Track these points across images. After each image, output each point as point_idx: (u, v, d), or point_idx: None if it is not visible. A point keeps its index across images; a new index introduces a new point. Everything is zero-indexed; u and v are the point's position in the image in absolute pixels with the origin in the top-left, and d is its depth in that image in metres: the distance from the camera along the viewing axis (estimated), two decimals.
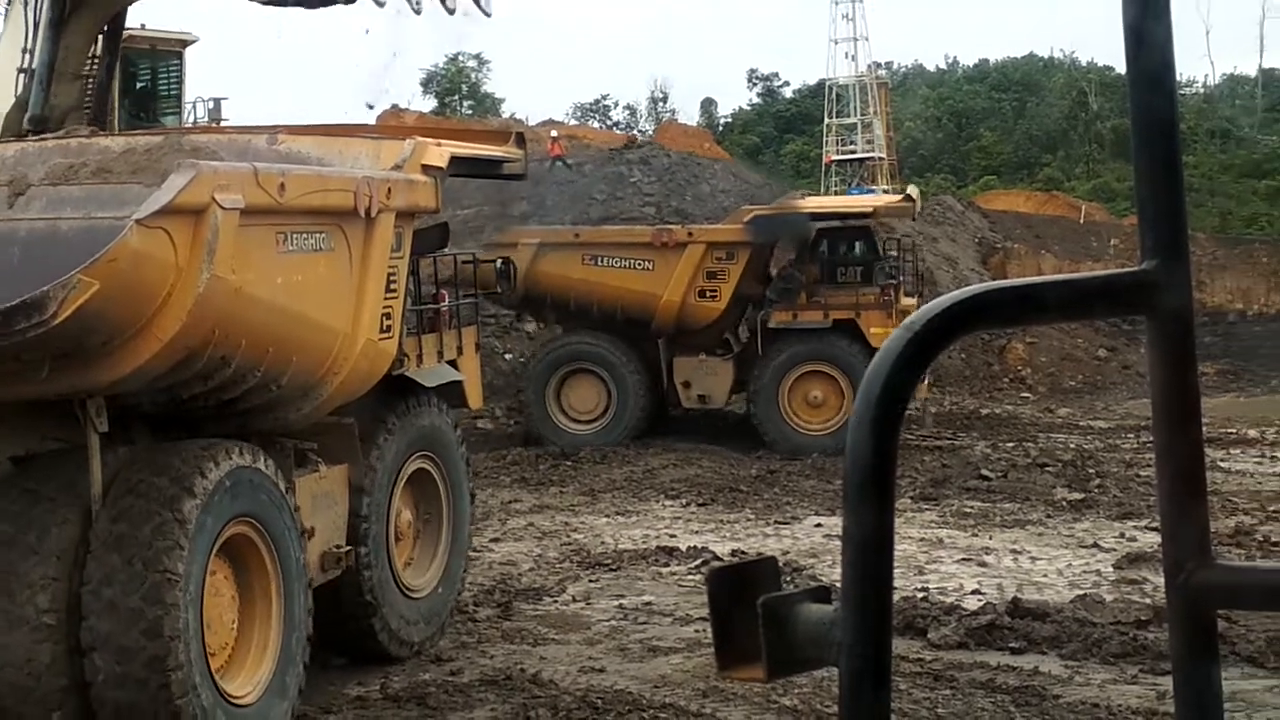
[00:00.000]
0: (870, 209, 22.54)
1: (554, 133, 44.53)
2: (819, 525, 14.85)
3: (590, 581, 12.61)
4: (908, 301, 20.67)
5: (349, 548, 9.55)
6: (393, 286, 9.36)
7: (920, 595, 11.20)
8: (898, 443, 1.40)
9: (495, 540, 14.36)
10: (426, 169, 9.74)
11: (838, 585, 1.41)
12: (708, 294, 20.46)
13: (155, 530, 7.36)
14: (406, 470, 10.44)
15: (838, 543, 14.10)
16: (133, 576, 7.27)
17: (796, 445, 19.52)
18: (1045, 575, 12.39)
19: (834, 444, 19.09)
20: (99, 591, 7.29)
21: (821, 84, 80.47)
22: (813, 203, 27.65)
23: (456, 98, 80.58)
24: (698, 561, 13.08)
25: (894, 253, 21.97)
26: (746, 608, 1.49)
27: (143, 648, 7.22)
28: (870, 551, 1.39)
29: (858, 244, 21.33)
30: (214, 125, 17.65)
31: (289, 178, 8.02)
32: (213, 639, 7.79)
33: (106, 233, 7.36)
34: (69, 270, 6.56)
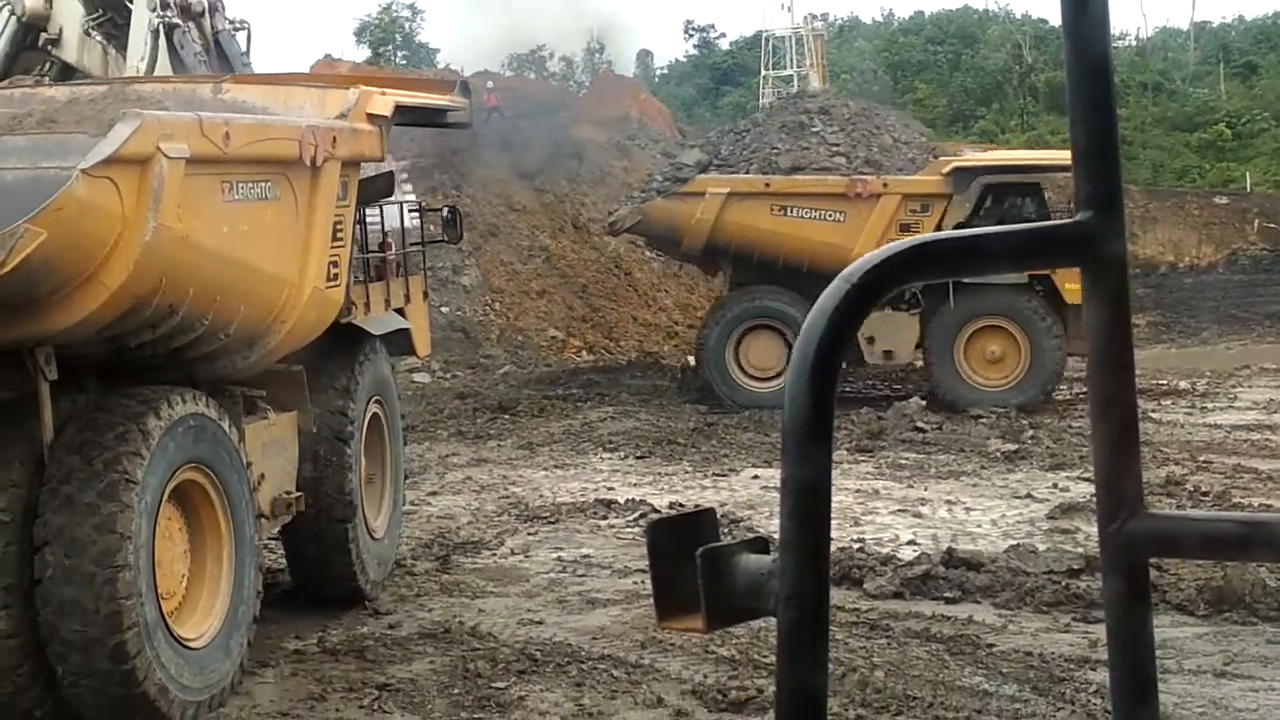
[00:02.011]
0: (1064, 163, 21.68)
1: (490, 84, 44.23)
2: (756, 477, 14.94)
3: (529, 535, 12.63)
4: None
5: (299, 494, 9.62)
6: (339, 235, 9.38)
7: (856, 546, 11.30)
8: (835, 393, 1.40)
9: (433, 494, 14.35)
10: (371, 118, 9.76)
11: (776, 537, 1.41)
12: None
13: (105, 486, 7.35)
14: (367, 416, 10.51)
15: (775, 495, 14.12)
16: (81, 574, 7.25)
17: (970, 400, 19.09)
18: (979, 526, 12.52)
19: (1008, 399, 18.89)
20: (50, 590, 7.28)
21: (758, 36, 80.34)
22: (993, 156, 26.37)
23: (390, 47, 79.82)
24: (636, 514, 13.12)
25: (1062, 207, 21.05)
26: (685, 559, 1.50)
27: (101, 640, 7.24)
28: (808, 501, 1.39)
29: (1027, 200, 20.46)
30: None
31: (234, 127, 8.03)
32: (165, 583, 7.83)
33: (52, 183, 7.32)
34: (15, 220, 6.54)
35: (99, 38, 13.77)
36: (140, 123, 7.03)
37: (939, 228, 19.36)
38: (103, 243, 6.92)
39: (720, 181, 20.87)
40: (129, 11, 13.55)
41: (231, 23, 14.44)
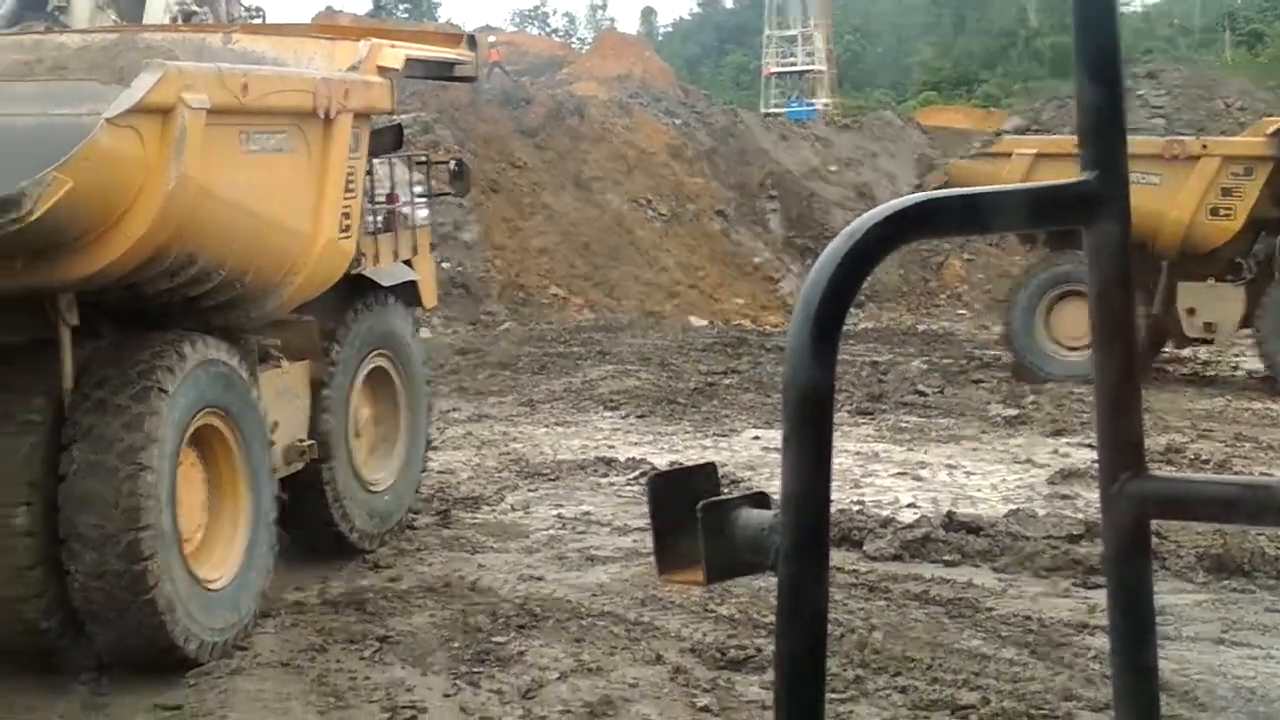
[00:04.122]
0: None
1: (492, 39, 44.14)
2: (757, 438, 14.95)
3: (529, 491, 12.66)
4: None
5: (311, 441, 9.70)
6: (351, 187, 9.44)
7: (856, 508, 11.33)
8: (837, 352, 1.40)
9: (433, 449, 14.36)
10: (382, 70, 9.80)
11: (777, 495, 1.42)
12: (1220, 213, 18.25)
13: (126, 423, 7.49)
14: (365, 367, 10.54)
15: (776, 456, 14.20)
16: (106, 469, 7.40)
17: None
18: (979, 490, 12.55)
19: None
20: (73, 483, 7.43)
21: None
22: None
23: (392, 0, 79.55)
24: (636, 473, 13.15)
25: None
26: (685, 513, 1.50)
27: (116, 536, 7.37)
28: (809, 459, 1.40)
29: None
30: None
31: (251, 78, 8.08)
32: (184, 525, 7.95)
33: (64, 130, 7.38)
34: (26, 167, 6.61)
35: (112, 14, 13.72)
36: (163, 72, 7.09)
37: (1266, 193, 18.31)
38: (126, 191, 6.98)
39: (1028, 143, 20.15)
40: None
41: (247, 9, 14.41)
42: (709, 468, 1.59)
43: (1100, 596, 7.80)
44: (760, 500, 1.51)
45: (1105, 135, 1.50)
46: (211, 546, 8.37)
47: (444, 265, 24.80)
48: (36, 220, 6.38)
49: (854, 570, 9.81)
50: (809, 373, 1.38)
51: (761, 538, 1.44)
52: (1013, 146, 19.97)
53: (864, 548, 10.31)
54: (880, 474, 13.19)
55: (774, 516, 1.45)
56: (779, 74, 74.09)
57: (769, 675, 7.80)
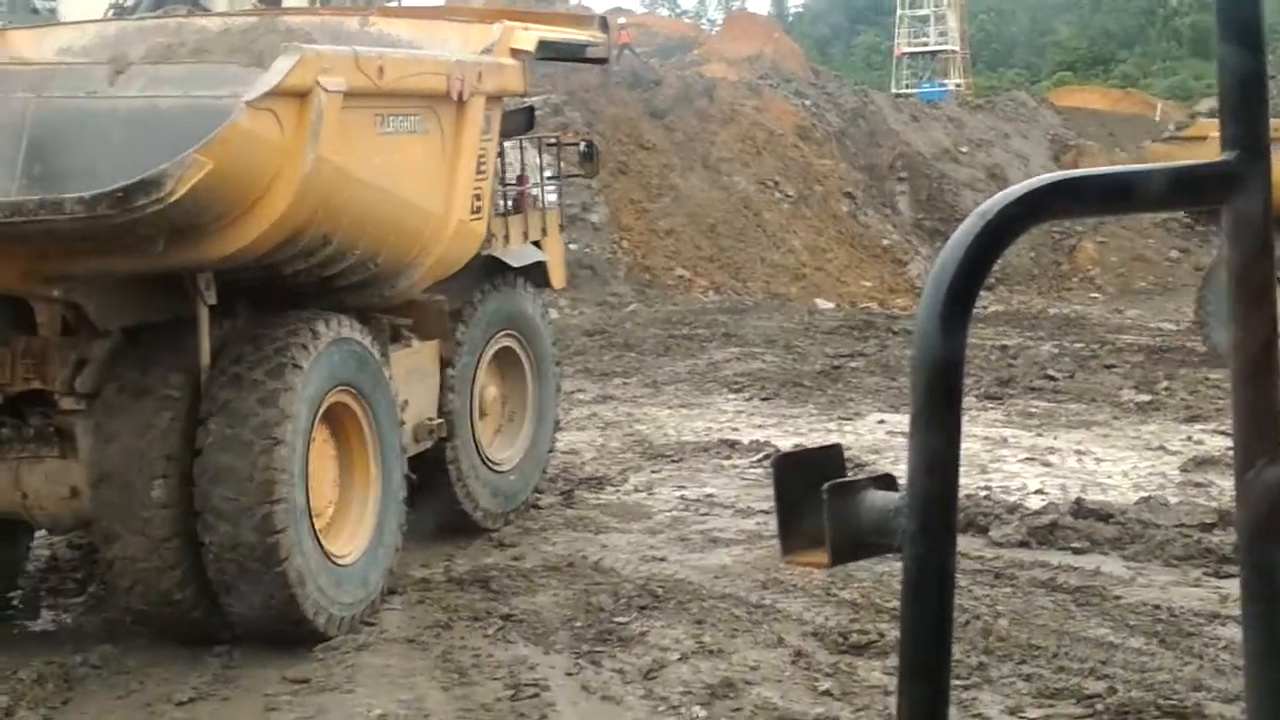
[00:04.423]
0: None
1: (622, 20, 44.20)
2: (882, 422, 14.84)
3: (652, 472, 12.68)
4: None
5: (440, 420, 9.84)
6: (482, 168, 9.52)
7: (983, 494, 11.20)
8: (967, 333, 1.39)
9: (559, 429, 14.46)
10: (515, 52, 9.86)
11: (904, 479, 1.41)
12: None
13: (261, 398, 7.64)
14: (492, 348, 10.61)
15: (901, 439, 14.11)
16: (241, 443, 7.56)
17: None
18: (1110, 477, 12.34)
19: None
20: (209, 457, 7.59)
21: None
22: None
23: None
24: (760, 455, 13.11)
25: None
26: (810, 494, 1.50)
27: (251, 509, 7.53)
28: (937, 441, 1.38)
29: None
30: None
31: (387, 61, 8.18)
32: (316, 500, 8.10)
33: (205, 112, 7.52)
34: (169, 147, 6.75)
35: None
36: (301, 56, 7.20)
37: None
38: (264, 173, 7.09)
39: None
40: None
41: None
42: (834, 449, 1.58)
43: (1232, 586, 7.64)
44: (887, 482, 1.49)
45: (1247, 114, 1.46)
46: (342, 523, 8.50)
47: (571, 247, 24.93)
48: (177, 201, 6.51)
49: (979, 556, 9.70)
50: (938, 353, 1.37)
51: (887, 520, 1.43)
52: (1208, 130, 19.51)
53: (990, 533, 10.19)
54: (1008, 459, 13.03)
55: (900, 498, 1.44)
56: (911, 54, 73.31)
57: (891, 661, 7.75)
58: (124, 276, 7.59)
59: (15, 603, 9.09)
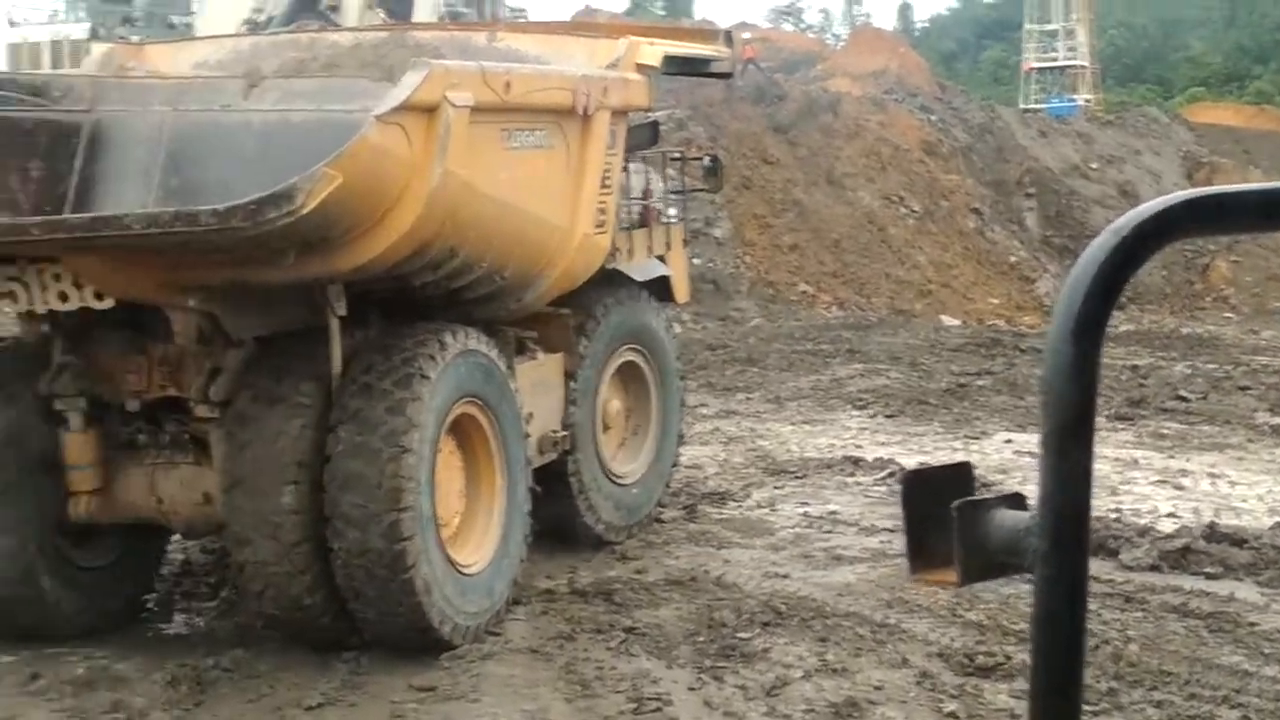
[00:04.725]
0: None
1: (747, 35, 44.15)
2: (1009, 441, 14.64)
3: (775, 488, 12.63)
4: None
5: (564, 433, 9.90)
6: (607, 183, 9.55)
7: (1113, 516, 11.00)
8: (1101, 352, 1.37)
9: (682, 443, 14.47)
10: (640, 67, 9.89)
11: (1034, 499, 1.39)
12: None
13: (390, 407, 7.72)
14: (615, 361, 10.67)
15: (1028, 460, 13.92)
16: (370, 450, 7.65)
17: None
18: (1244, 500, 12.07)
19: None
20: (338, 464, 7.69)
21: None
22: None
23: None
24: (884, 473, 13.01)
25: None
26: (939, 512, 1.49)
27: (379, 516, 7.60)
28: (1069, 461, 1.37)
29: None
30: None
31: (514, 76, 8.25)
32: (442, 510, 8.16)
33: (336, 125, 7.63)
34: (301, 160, 6.85)
35: (381, 12, 14.21)
36: (429, 71, 7.28)
37: None
38: (393, 187, 7.18)
39: None
40: None
41: (511, 10, 14.75)
42: (964, 467, 1.57)
43: None
44: (1017, 501, 1.48)
45: None
46: (468, 533, 8.57)
47: (694, 261, 24.96)
48: (307, 214, 6.60)
49: (1109, 580, 9.53)
50: (1070, 371, 1.35)
51: (1018, 539, 1.41)
52: None
53: (1120, 557, 10.01)
54: (1139, 481, 12.79)
55: (1031, 518, 1.42)
56: (1039, 69, 72.38)
57: (1018, 683, 7.64)
58: (257, 287, 7.72)
59: (150, 606, 9.28)
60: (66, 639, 8.43)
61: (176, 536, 9.38)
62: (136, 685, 7.65)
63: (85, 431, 8.36)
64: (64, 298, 7.54)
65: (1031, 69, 72.27)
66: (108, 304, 7.51)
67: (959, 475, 1.53)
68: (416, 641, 7.99)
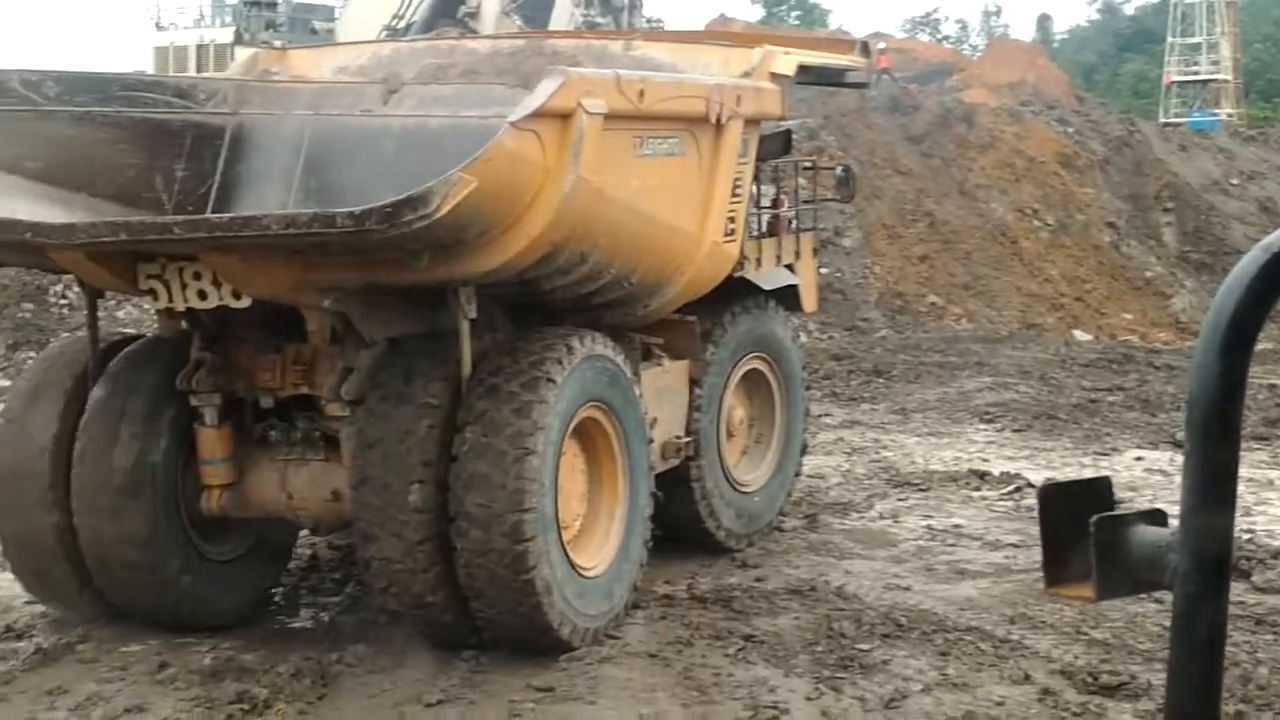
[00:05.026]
0: None
1: (882, 45, 43.89)
2: (1140, 459, 14.39)
3: (898, 500, 12.53)
4: None
5: (687, 439, 9.92)
6: (738, 191, 9.55)
7: (1245, 537, 10.76)
8: (1248, 367, 1.35)
9: (805, 453, 14.41)
10: (774, 76, 9.88)
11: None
12: None
13: (516, 409, 7.80)
14: (740, 369, 10.67)
15: (1160, 478, 13.67)
16: (495, 451, 7.72)
17: None
18: None
19: None
20: (464, 464, 7.77)
21: (1166, 1, 76.75)
22: None
23: (784, 7, 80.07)
24: (1010, 488, 12.85)
25: None
26: (1078, 526, 1.47)
27: (502, 517, 7.68)
28: (1213, 476, 1.34)
29: None
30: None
31: (648, 84, 8.27)
32: (564, 513, 8.22)
33: (473, 131, 7.70)
34: (438, 165, 6.92)
35: (518, 19, 14.34)
36: (565, 79, 7.33)
37: None
38: (526, 192, 7.24)
39: None
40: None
41: (648, 20, 14.82)
42: (1103, 481, 1.55)
43: None
44: (1157, 517, 1.46)
45: None
46: (589, 536, 8.62)
47: (822, 270, 24.83)
48: (442, 218, 6.66)
49: (1240, 601, 9.32)
50: (1216, 387, 1.33)
51: (1158, 556, 1.39)
52: None
53: (1252, 578, 9.79)
54: (1274, 503, 12.49)
55: (1171, 534, 1.40)
56: (1180, 83, 71.05)
57: (1142, 704, 7.51)
58: (390, 289, 7.83)
59: (277, 599, 9.46)
60: (195, 630, 8.62)
61: (305, 532, 9.54)
62: (261, 677, 7.79)
63: (220, 427, 8.54)
64: (203, 296, 7.71)
65: (1173, 82, 70.96)
66: (245, 303, 7.66)
67: (1098, 489, 1.51)
68: (536, 642, 8.05)
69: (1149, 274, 30.52)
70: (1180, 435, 15.07)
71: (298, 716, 7.34)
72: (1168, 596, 1.41)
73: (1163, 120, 54.49)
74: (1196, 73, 71.14)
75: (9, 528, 8.71)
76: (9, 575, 9.12)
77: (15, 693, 7.70)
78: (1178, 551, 1.34)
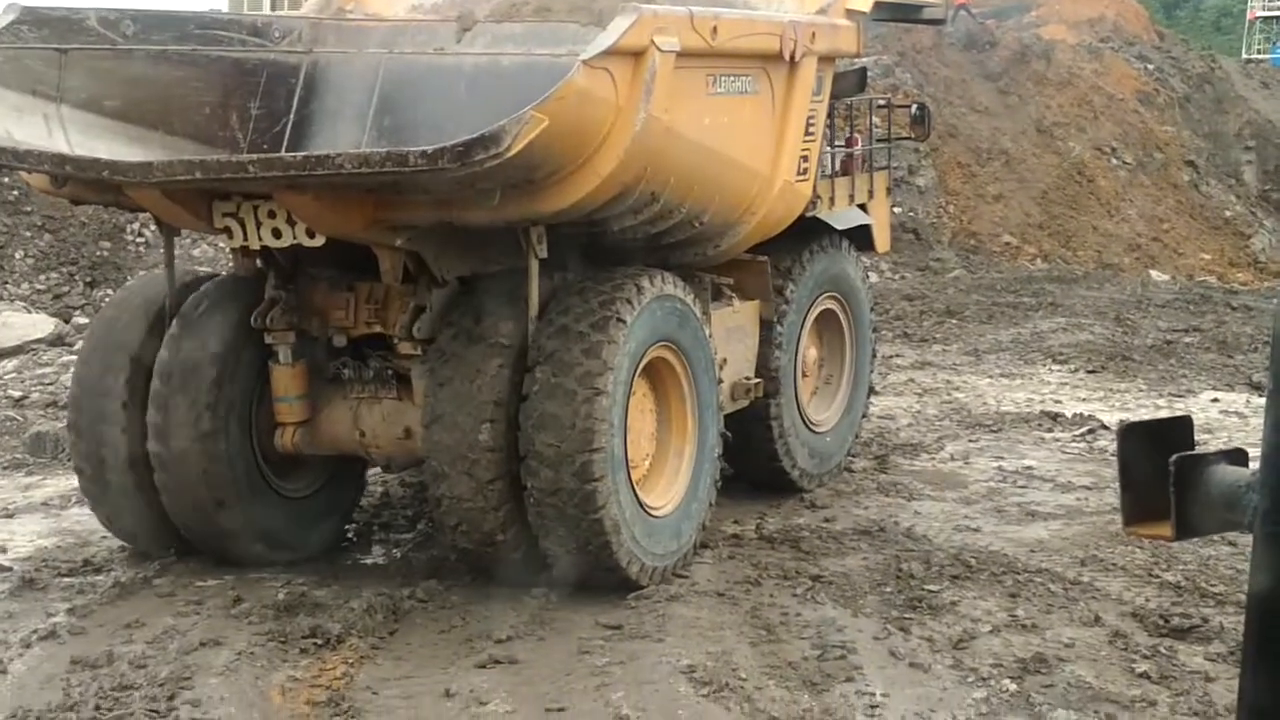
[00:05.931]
0: None
1: None
2: (1215, 400, 14.22)
3: (969, 441, 12.47)
4: None
5: (758, 380, 9.90)
6: (811, 130, 9.49)
7: None
8: None
9: (875, 394, 14.35)
10: (850, 13, 9.80)
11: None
12: None
13: (586, 349, 7.83)
14: (815, 309, 10.64)
15: (1235, 420, 13.51)
16: (565, 391, 7.76)
17: None
18: None
19: None
20: (534, 404, 7.82)
21: None
22: None
23: None
24: (1083, 429, 12.75)
25: None
26: (1157, 465, 1.45)
27: (571, 456, 7.72)
28: None
29: None
30: None
31: (721, 21, 8.20)
32: (633, 452, 8.26)
33: (544, 70, 7.65)
34: (510, 103, 6.92)
35: None
36: (638, 16, 7.28)
37: None
38: (597, 131, 7.22)
39: None
40: None
41: None
42: (1184, 420, 1.52)
43: None
44: (1239, 457, 1.43)
45: None
46: (657, 475, 8.64)
47: (895, 210, 24.62)
48: (513, 156, 6.66)
49: None
50: None
51: (1237, 496, 1.37)
52: None
53: None
54: None
55: (1252, 474, 1.38)
56: (1265, 18, 69.51)
57: (1214, 647, 7.47)
58: (462, 228, 7.85)
59: (349, 536, 9.57)
60: (269, 565, 8.73)
61: (376, 469, 9.63)
62: (334, 612, 7.89)
63: (293, 365, 8.62)
64: (277, 234, 7.76)
65: (1256, 17, 69.45)
66: (319, 242, 7.71)
67: (1179, 429, 1.49)
68: (604, 580, 8.10)
69: (1228, 213, 30.03)
70: (1257, 377, 14.90)
71: (370, 651, 7.44)
72: (1242, 539, 1.38)
73: (1245, 56, 53.39)
74: None
75: (95, 489, 8.81)
76: (86, 510, 9.27)
77: (94, 625, 7.85)
78: (1259, 491, 1.32)
